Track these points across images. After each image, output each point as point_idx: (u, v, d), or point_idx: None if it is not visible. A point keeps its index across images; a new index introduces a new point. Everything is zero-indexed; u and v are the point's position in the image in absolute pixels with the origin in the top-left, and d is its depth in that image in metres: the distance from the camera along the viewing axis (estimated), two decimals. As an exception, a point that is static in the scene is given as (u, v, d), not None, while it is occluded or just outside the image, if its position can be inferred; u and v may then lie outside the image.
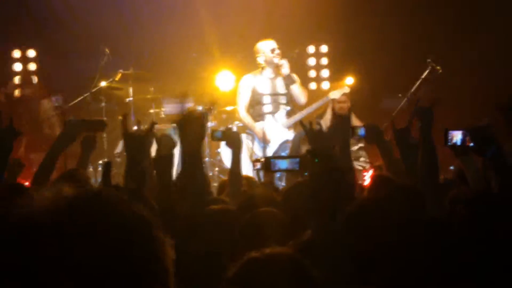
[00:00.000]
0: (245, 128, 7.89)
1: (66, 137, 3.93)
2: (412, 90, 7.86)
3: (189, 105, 5.89)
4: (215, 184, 7.64)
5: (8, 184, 3.58)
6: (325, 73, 10.18)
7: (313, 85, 10.07)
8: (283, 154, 7.36)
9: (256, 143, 7.76)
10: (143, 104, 9.19)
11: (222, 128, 4.47)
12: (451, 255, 2.41)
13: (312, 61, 10.18)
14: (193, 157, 2.48)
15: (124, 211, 1.15)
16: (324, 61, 10.15)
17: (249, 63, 8.14)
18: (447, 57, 8.50)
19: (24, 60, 9.90)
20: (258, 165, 5.68)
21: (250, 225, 2.82)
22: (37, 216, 1.10)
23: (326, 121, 7.63)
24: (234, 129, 7.56)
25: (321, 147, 3.88)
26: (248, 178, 5.07)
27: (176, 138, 2.98)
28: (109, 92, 9.13)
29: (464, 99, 9.00)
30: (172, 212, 2.61)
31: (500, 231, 2.10)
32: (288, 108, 7.82)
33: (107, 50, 9.10)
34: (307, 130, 4.05)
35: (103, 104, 8.98)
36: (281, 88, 7.81)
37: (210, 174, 8.53)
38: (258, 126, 7.67)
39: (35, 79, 9.92)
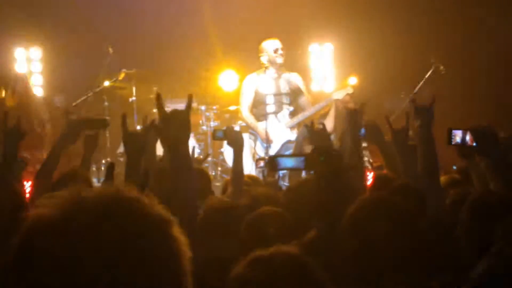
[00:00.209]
0: (248, 128, 7.89)
1: (68, 136, 3.93)
2: (416, 90, 7.85)
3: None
4: (218, 184, 7.65)
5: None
6: (329, 72, 10.15)
7: (316, 85, 10.05)
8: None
9: (258, 143, 7.75)
10: (146, 104, 9.20)
11: (223, 128, 4.46)
12: (453, 255, 2.40)
13: (315, 61, 10.15)
14: (179, 153, 2.48)
15: (143, 211, 1.15)
16: (328, 60, 10.12)
17: (252, 62, 8.12)
18: (450, 57, 8.49)
19: (29, 60, 9.91)
20: (261, 164, 5.68)
21: (253, 225, 2.81)
22: (58, 219, 1.11)
23: (329, 121, 7.61)
24: (237, 128, 7.54)
25: (326, 146, 3.88)
26: (252, 177, 5.07)
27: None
28: (112, 91, 9.15)
29: (467, 98, 8.98)
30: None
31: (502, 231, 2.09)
32: (291, 108, 7.81)
33: (110, 49, 9.11)
34: (310, 130, 4.04)
35: (106, 103, 8.99)
36: (284, 88, 7.80)
37: (213, 173, 8.54)
38: (260, 126, 7.66)
39: (40, 79, 9.93)
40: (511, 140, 3.22)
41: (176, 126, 2.52)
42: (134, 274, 1.09)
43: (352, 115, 3.82)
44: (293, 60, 7.98)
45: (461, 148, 3.52)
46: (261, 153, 7.65)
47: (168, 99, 8.37)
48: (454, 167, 5.32)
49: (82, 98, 8.41)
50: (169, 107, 2.66)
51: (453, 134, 3.34)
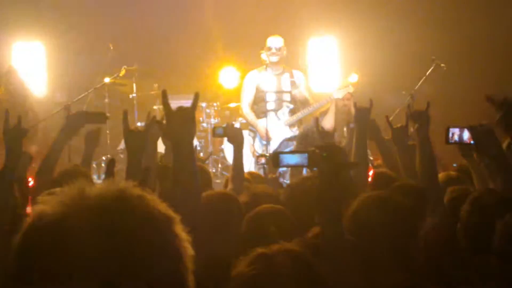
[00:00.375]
0: (248, 125, 7.89)
1: (68, 131, 3.94)
2: (416, 87, 7.85)
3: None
4: (218, 181, 7.66)
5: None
6: (329, 69, 10.12)
7: (316, 82, 10.03)
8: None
9: (257, 140, 7.76)
10: (147, 100, 9.20)
11: (223, 125, 4.47)
12: (454, 252, 2.40)
13: (316, 57, 10.13)
14: (185, 151, 2.47)
15: (146, 209, 1.15)
16: (329, 57, 10.11)
17: (253, 59, 8.12)
18: (452, 54, 8.48)
19: (29, 55, 9.90)
20: (263, 161, 5.68)
21: (254, 222, 2.81)
22: (60, 218, 1.10)
23: (329, 119, 7.60)
24: (237, 125, 7.54)
25: (329, 142, 3.90)
26: (252, 174, 5.07)
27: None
28: (113, 88, 9.15)
29: (469, 96, 8.97)
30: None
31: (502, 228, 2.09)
32: (292, 106, 7.81)
33: (111, 46, 9.11)
34: (315, 127, 4.07)
35: (106, 100, 8.99)
36: (286, 85, 7.79)
37: (213, 171, 8.54)
38: (260, 123, 7.67)
39: (40, 76, 9.93)
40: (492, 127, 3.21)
41: (181, 124, 2.49)
42: (137, 273, 1.09)
43: (360, 113, 3.85)
44: (294, 57, 7.96)
45: (460, 146, 3.53)
46: (259, 150, 7.66)
47: (169, 96, 8.33)
48: (455, 165, 5.32)
49: (83, 95, 8.41)
50: (170, 104, 2.65)
51: (451, 132, 3.35)
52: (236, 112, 8.61)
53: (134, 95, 9.14)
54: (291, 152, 5.78)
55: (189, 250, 1.19)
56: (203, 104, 9.03)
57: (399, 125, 3.87)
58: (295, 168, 4.75)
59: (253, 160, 7.38)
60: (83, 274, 1.06)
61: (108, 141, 8.83)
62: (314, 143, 4.38)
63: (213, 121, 8.98)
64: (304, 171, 4.75)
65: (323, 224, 2.29)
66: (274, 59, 7.68)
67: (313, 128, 6.03)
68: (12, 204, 2.91)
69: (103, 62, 8.96)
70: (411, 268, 2.33)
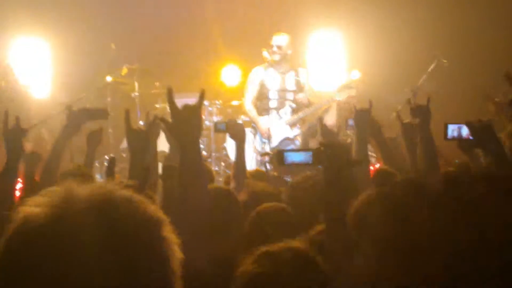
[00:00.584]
0: (249, 123, 7.88)
1: (70, 128, 3.92)
2: (419, 83, 7.84)
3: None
4: (221, 179, 7.66)
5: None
6: (331, 64, 10.10)
7: (318, 78, 10.01)
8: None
9: (258, 137, 7.75)
10: (149, 99, 9.20)
11: (225, 120, 4.47)
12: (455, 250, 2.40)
13: (318, 55, 10.12)
14: (191, 149, 2.45)
15: (133, 212, 1.14)
16: (330, 54, 10.09)
17: (255, 57, 8.11)
18: (453, 50, 8.47)
19: (32, 54, 9.90)
20: (267, 159, 5.69)
21: (258, 220, 2.81)
22: (46, 221, 1.09)
23: (331, 117, 7.60)
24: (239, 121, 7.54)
25: (333, 140, 3.92)
26: (259, 171, 5.06)
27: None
28: (115, 87, 9.15)
29: (471, 92, 8.96)
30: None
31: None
32: (294, 105, 7.79)
33: (113, 45, 9.11)
34: (319, 125, 4.08)
35: (108, 99, 9.00)
36: (290, 84, 7.77)
37: (216, 169, 8.55)
38: (261, 121, 7.66)
39: (42, 75, 9.93)
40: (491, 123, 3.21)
41: (187, 121, 2.47)
42: (122, 277, 1.08)
43: (360, 114, 3.87)
44: (296, 53, 7.96)
45: (460, 142, 3.54)
46: (259, 148, 7.66)
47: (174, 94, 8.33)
48: (457, 161, 5.32)
49: (85, 94, 8.41)
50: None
51: (449, 128, 3.36)
52: (239, 110, 8.60)
53: (137, 94, 9.14)
54: (296, 150, 5.79)
55: (177, 253, 1.17)
56: (206, 103, 9.03)
57: (408, 120, 3.89)
58: (301, 165, 4.76)
59: (254, 157, 7.39)
60: (68, 280, 1.05)
61: (111, 140, 8.83)
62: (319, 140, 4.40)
63: (215, 119, 8.97)
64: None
65: (327, 221, 2.29)
66: (276, 57, 7.66)
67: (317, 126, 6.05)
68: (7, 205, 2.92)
69: (105, 61, 8.96)
70: (411, 266, 2.33)
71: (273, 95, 7.72)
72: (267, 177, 4.93)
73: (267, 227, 2.73)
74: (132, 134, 3.06)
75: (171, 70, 9.55)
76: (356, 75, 7.84)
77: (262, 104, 7.77)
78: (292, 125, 7.75)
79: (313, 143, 7.28)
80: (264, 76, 7.74)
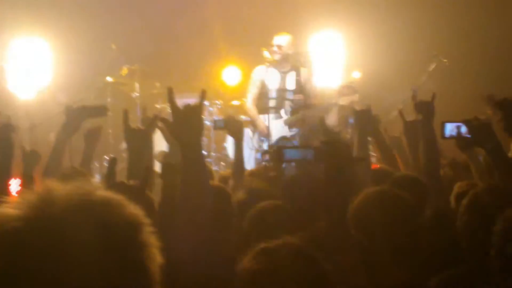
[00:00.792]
0: (249, 123, 7.88)
1: (70, 126, 3.87)
2: (419, 83, 7.84)
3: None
4: (220, 179, 7.66)
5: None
6: (332, 67, 10.09)
7: (319, 77, 9.99)
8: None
9: (256, 136, 7.76)
10: (149, 100, 9.19)
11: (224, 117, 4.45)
12: (455, 246, 2.40)
13: (319, 54, 10.10)
14: (193, 149, 2.43)
15: (110, 216, 1.11)
16: (331, 54, 10.08)
17: (256, 57, 8.12)
18: (453, 50, 8.47)
19: (31, 55, 9.89)
20: (267, 157, 5.68)
21: (256, 219, 2.81)
22: (21, 223, 1.06)
23: (331, 117, 7.59)
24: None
25: (335, 138, 3.93)
26: (260, 170, 5.06)
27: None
28: (115, 87, 9.14)
29: (471, 91, 8.96)
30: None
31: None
32: (294, 105, 7.79)
33: (113, 45, 9.11)
34: (321, 124, 4.09)
35: (109, 99, 8.99)
36: (290, 84, 7.78)
37: (216, 168, 8.54)
38: (260, 119, 7.68)
39: (42, 75, 9.91)
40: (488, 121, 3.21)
41: (188, 121, 2.45)
42: (94, 282, 1.05)
43: (360, 115, 3.87)
44: (297, 54, 7.96)
45: (458, 140, 3.54)
46: (257, 146, 7.67)
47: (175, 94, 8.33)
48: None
49: (85, 94, 8.41)
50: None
51: (446, 127, 3.35)
52: (239, 110, 8.61)
53: (137, 94, 9.13)
54: (295, 146, 5.78)
55: (157, 257, 1.14)
56: (206, 103, 9.02)
57: (410, 119, 3.89)
58: (301, 162, 4.77)
59: (252, 155, 7.40)
60: (42, 283, 1.03)
61: (111, 141, 8.83)
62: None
63: (216, 119, 8.96)
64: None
65: (328, 219, 2.29)
66: (276, 57, 7.69)
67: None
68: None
69: (105, 62, 8.95)
70: (412, 264, 2.33)
71: (273, 94, 7.73)
72: (266, 175, 4.92)
73: (266, 224, 2.73)
74: (131, 133, 3.05)
75: (172, 71, 9.55)
76: (357, 75, 7.84)
77: (262, 103, 7.79)
78: (291, 125, 7.76)
79: (315, 143, 7.28)
80: (265, 76, 7.76)
